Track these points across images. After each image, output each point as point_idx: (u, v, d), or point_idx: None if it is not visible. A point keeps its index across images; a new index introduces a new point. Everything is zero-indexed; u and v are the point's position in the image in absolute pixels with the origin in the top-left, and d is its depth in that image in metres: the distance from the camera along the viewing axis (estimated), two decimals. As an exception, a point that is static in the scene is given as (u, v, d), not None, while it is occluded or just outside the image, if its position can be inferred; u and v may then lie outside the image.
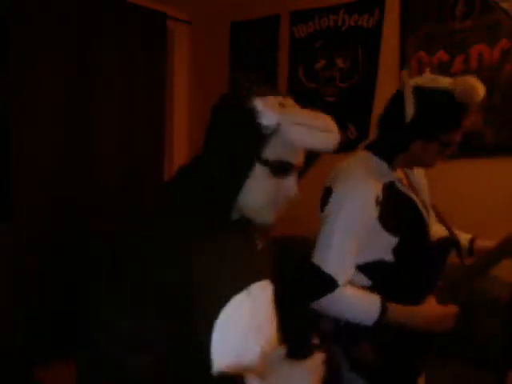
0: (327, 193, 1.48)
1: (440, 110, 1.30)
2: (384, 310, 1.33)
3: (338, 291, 1.34)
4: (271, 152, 0.97)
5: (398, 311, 1.36)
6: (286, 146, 0.97)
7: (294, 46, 3.22)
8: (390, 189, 1.39)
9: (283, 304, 1.21)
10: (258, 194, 1.00)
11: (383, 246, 1.41)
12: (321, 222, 1.45)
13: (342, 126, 3.50)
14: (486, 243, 1.63)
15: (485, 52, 2.46)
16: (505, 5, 2.38)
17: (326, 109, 3.50)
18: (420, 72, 2.68)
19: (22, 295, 2.82)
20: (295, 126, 0.94)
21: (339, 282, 1.33)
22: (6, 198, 2.75)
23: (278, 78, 3.31)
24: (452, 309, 1.46)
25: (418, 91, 1.31)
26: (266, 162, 0.97)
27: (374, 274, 1.44)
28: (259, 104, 0.95)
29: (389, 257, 1.42)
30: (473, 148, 2.55)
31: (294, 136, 0.95)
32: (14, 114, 2.72)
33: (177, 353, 0.92)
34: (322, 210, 1.49)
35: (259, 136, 0.94)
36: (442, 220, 1.63)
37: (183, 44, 3.80)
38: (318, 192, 3.23)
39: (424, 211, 1.48)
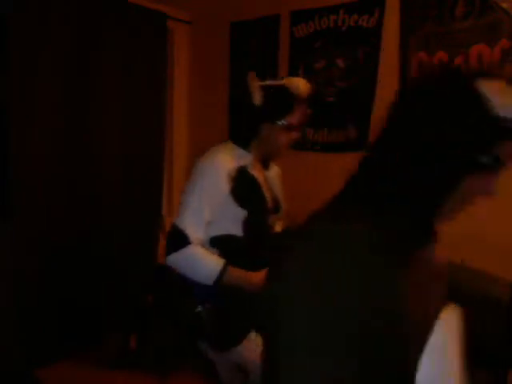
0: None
1: (277, 98, 1.67)
2: (224, 269, 1.59)
3: (188, 247, 1.57)
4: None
5: (236, 273, 1.63)
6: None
7: (294, 46, 3.22)
8: (242, 170, 1.68)
9: None
10: (460, 196, 0.84)
11: (235, 219, 1.66)
12: None
13: (342, 126, 3.50)
14: None
15: (485, 52, 2.46)
16: (505, 5, 2.38)
17: (326, 109, 3.51)
18: (420, 72, 2.68)
19: (22, 295, 2.82)
20: None
21: (190, 240, 1.58)
22: (5, 198, 2.75)
23: (278, 78, 3.31)
24: None
25: (263, 87, 1.69)
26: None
27: (224, 246, 1.69)
28: (487, 89, 0.81)
29: (238, 231, 1.67)
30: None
31: None
32: (14, 113, 2.72)
33: None
34: None
35: (497, 132, 0.78)
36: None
37: (183, 44, 3.80)
38: (318, 194, 3.23)
39: (268, 197, 1.77)
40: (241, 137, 1.74)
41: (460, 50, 2.53)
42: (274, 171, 1.95)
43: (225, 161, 1.65)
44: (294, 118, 1.71)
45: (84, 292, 3.11)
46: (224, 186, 1.62)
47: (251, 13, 3.40)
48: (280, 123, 1.68)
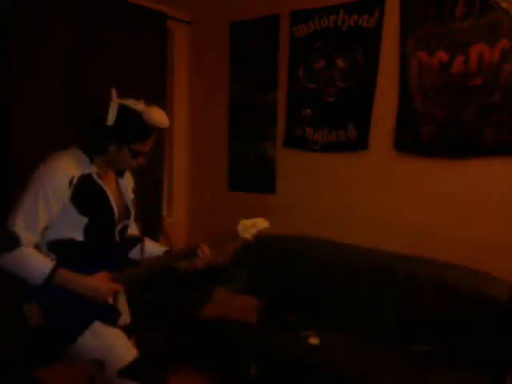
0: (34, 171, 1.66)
1: (131, 124, 1.68)
2: (54, 271, 1.61)
3: (19, 249, 1.58)
4: None
5: (67, 275, 1.64)
6: None
7: (294, 46, 3.22)
8: (87, 178, 1.69)
9: None
10: None
11: (75, 225, 1.67)
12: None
13: (342, 126, 3.51)
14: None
15: (485, 52, 2.46)
16: (505, 5, 2.38)
17: (326, 109, 3.52)
18: (420, 72, 2.68)
19: (22, 295, 2.82)
20: None
21: (22, 242, 1.58)
22: (6, 198, 2.75)
23: (278, 77, 3.31)
24: (114, 287, 1.74)
25: (121, 107, 1.67)
26: None
27: (62, 251, 1.69)
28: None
29: (80, 236, 1.68)
30: (473, 148, 2.55)
31: None
32: (14, 113, 2.72)
33: None
34: None
35: None
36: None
37: (183, 44, 3.80)
38: (318, 194, 3.24)
39: (114, 204, 1.77)
40: (87, 148, 1.72)
41: (460, 50, 2.53)
42: (128, 178, 1.95)
43: (67, 167, 1.64)
44: (145, 147, 1.73)
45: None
46: (64, 193, 1.62)
47: (251, 13, 3.40)
48: (128, 148, 1.70)
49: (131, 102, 1.70)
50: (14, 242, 1.58)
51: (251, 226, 1.88)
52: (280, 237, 3.20)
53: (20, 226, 1.59)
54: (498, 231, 2.50)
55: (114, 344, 1.78)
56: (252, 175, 3.54)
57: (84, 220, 1.67)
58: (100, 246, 1.75)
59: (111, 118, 1.65)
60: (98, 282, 1.70)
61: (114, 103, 1.68)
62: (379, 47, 2.85)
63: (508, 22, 2.38)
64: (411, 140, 2.74)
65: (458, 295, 2.42)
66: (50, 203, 1.61)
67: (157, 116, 1.69)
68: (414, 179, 2.78)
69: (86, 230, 1.68)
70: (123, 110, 1.67)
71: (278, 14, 3.27)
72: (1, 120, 2.70)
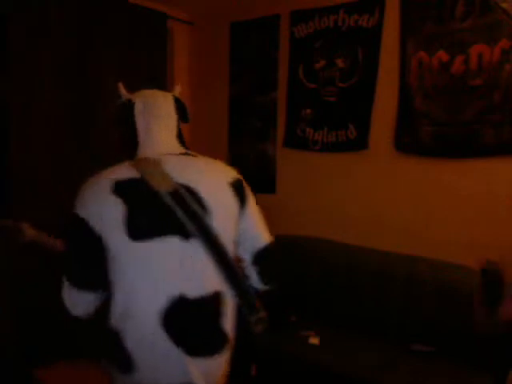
0: (239, 184, 1.59)
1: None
2: None
3: None
4: None
5: None
6: None
7: (294, 46, 3.22)
8: None
9: None
10: None
11: None
12: (251, 211, 1.59)
13: (342, 126, 3.50)
14: None
15: (485, 52, 2.46)
16: (505, 5, 2.38)
17: (326, 109, 3.51)
18: (420, 72, 2.68)
19: (22, 295, 2.82)
20: None
21: None
22: (6, 198, 2.76)
23: (278, 77, 3.31)
24: None
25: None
26: None
27: None
28: None
29: None
30: (473, 148, 2.55)
31: None
32: (14, 114, 2.72)
33: None
34: (245, 198, 1.61)
35: None
36: None
37: (183, 44, 3.80)
38: (318, 194, 3.24)
39: None
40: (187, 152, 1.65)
41: (460, 50, 2.53)
42: None
43: None
44: None
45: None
46: None
47: (251, 13, 3.40)
48: None
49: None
50: None
51: None
52: (280, 237, 3.20)
53: None
54: (498, 231, 2.50)
55: None
56: (252, 175, 3.54)
57: None
58: None
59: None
60: None
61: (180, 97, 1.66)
62: (379, 47, 2.85)
63: (508, 22, 2.38)
64: (411, 140, 2.75)
65: (458, 295, 2.42)
66: None
67: None
68: (414, 179, 2.78)
69: None
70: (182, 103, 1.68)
71: (278, 14, 3.28)
72: (1, 120, 2.71)
